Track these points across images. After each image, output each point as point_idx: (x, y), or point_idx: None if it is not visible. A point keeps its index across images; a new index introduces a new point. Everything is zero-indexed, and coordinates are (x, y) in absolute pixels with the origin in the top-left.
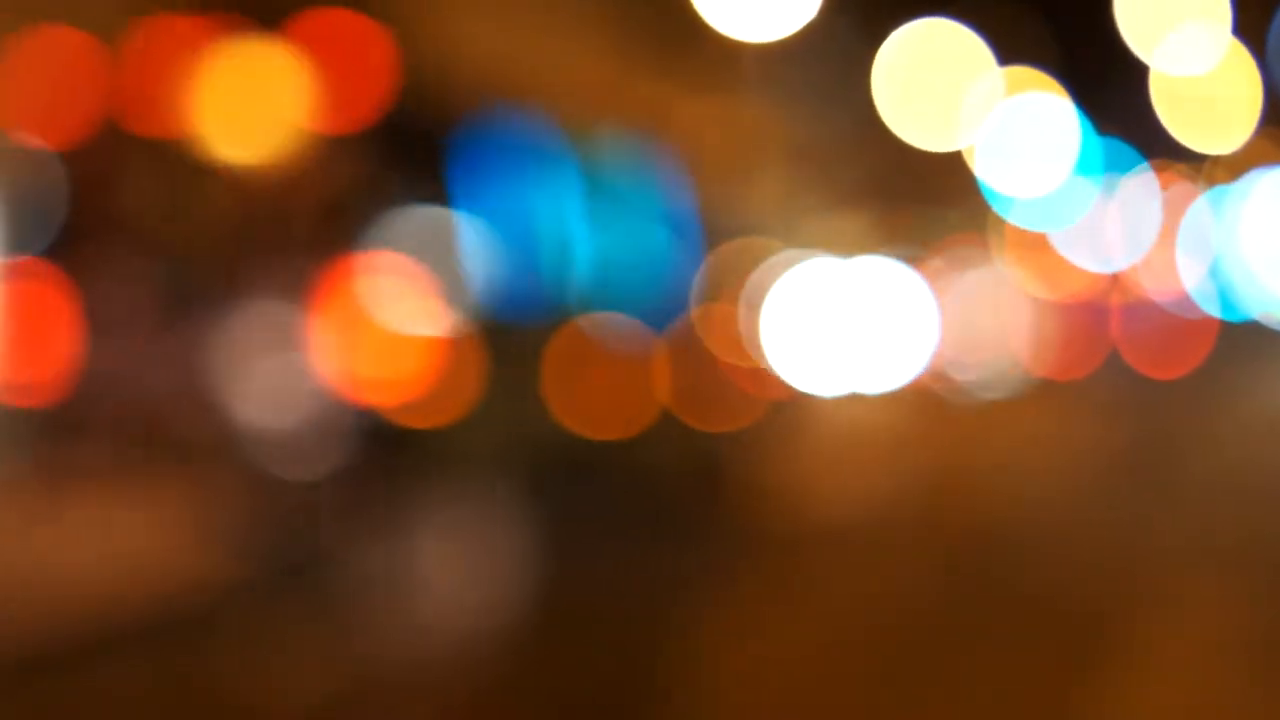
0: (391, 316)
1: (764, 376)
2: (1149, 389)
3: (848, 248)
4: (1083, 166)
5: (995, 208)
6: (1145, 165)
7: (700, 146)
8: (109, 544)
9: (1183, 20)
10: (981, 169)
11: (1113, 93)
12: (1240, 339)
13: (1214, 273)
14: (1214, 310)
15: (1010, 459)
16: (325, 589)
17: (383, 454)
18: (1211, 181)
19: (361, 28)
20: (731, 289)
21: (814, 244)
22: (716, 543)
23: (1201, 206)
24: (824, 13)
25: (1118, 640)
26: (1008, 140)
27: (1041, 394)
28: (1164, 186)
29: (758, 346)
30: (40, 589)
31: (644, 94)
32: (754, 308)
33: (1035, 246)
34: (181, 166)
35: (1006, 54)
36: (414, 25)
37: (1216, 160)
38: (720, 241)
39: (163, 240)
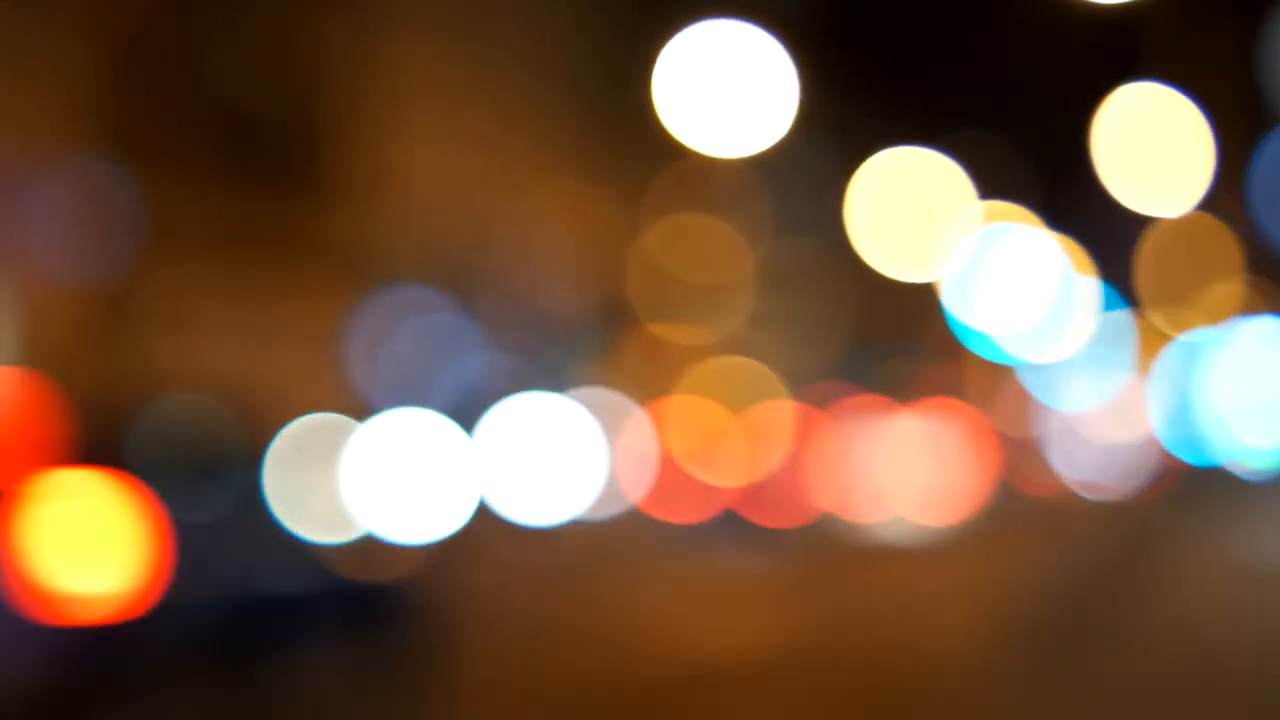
0: None
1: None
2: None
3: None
4: (1060, 304)
5: (963, 341)
6: (1124, 306)
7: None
8: None
9: (1164, 164)
10: (951, 301)
11: (1094, 233)
12: (1206, 484)
13: (1183, 417)
14: (1181, 454)
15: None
16: None
17: None
18: (1188, 327)
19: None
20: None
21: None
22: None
23: (1176, 351)
24: (799, 133)
25: None
26: (982, 273)
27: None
28: (1140, 329)
29: None
30: None
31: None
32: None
33: (1001, 381)
34: None
35: (987, 188)
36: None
37: (1193, 305)
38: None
39: None
